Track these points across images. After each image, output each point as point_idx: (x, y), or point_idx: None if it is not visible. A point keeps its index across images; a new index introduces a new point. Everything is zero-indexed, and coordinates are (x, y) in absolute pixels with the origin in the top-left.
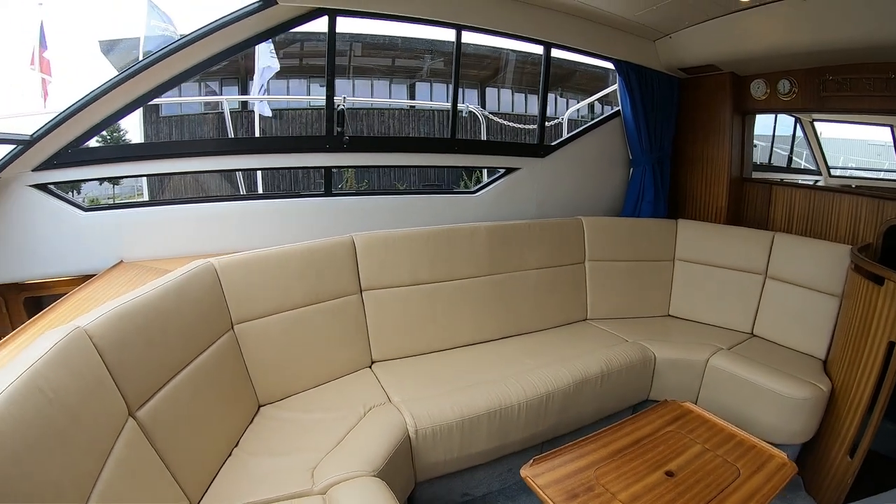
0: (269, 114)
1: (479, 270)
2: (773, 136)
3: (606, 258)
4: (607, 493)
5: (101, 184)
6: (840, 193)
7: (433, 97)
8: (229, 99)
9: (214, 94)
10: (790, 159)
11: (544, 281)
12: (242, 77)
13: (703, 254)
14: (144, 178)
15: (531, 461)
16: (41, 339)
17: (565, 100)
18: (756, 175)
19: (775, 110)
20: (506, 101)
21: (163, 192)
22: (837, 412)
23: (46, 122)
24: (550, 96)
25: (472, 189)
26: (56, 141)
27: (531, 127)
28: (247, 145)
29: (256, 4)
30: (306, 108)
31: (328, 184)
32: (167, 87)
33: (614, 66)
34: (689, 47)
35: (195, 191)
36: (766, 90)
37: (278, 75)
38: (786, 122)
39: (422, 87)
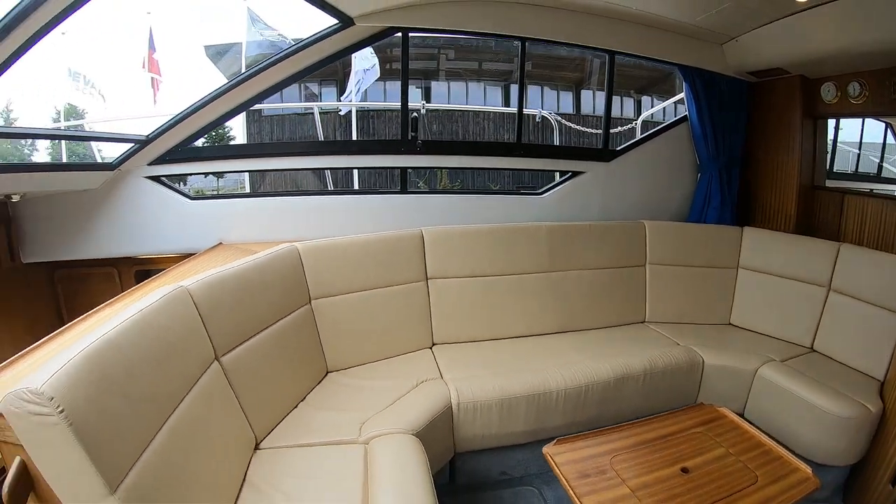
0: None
1: (538, 267)
2: (861, 141)
3: (668, 262)
4: (617, 478)
5: (205, 177)
6: None
7: (528, 99)
8: (320, 106)
9: (314, 94)
10: (881, 167)
11: (602, 281)
12: (340, 78)
13: (767, 263)
14: (246, 173)
15: (555, 441)
16: (154, 293)
17: (662, 103)
18: (839, 184)
19: (846, 114)
20: (598, 104)
21: (262, 186)
22: (885, 436)
23: (160, 125)
24: (646, 100)
25: (539, 190)
26: (168, 140)
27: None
28: (330, 147)
29: (337, 25)
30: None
31: (403, 182)
32: (264, 96)
33: (679, 71)
34: (754, 50)
35: (289, 186)
36: (837, 93)
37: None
38: (877, 128)
39: (515, 90)
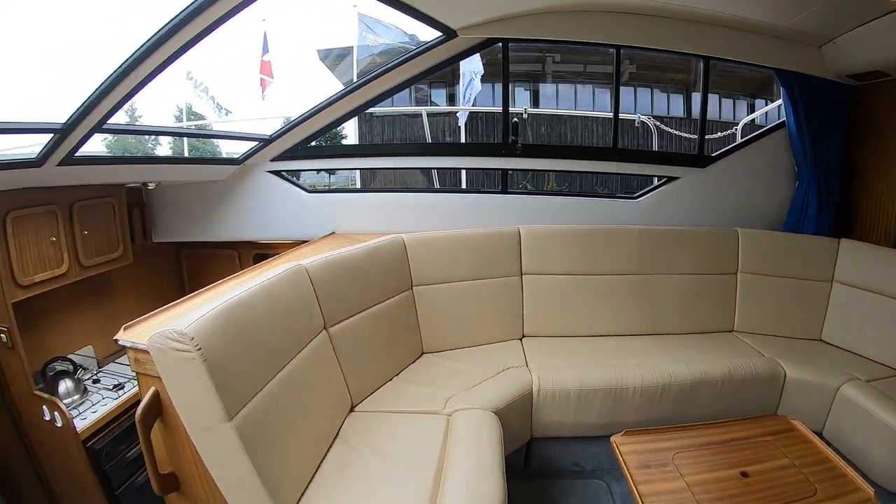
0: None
1: (627, 269)
2: None
3: (760, 272)
4: (676, 473)
5: (317, 173)
6: None
7: (638, 103)
8: (429, 110)
9: (426, 96)
10: None
11: (691, 287)
12: (449, 80)
13: (864, 278)
14: (357, 171)
15: (623, 432)
16: (276, 268)
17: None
18: None
19: None
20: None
21: (373, 183)
22: None
23: (282, 126)
24: (759, 102)
25: (635, 195)
26: (288, 140)
27: (708, 136)
28: (435, 149)
29: (441, 38)
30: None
31: (504, 183)
32: (374, 104)
33: (776, 75)
34: (853, 52)
35: (397, 183)
36: None
37: (483, 79)
38: None
39: (626, 92)
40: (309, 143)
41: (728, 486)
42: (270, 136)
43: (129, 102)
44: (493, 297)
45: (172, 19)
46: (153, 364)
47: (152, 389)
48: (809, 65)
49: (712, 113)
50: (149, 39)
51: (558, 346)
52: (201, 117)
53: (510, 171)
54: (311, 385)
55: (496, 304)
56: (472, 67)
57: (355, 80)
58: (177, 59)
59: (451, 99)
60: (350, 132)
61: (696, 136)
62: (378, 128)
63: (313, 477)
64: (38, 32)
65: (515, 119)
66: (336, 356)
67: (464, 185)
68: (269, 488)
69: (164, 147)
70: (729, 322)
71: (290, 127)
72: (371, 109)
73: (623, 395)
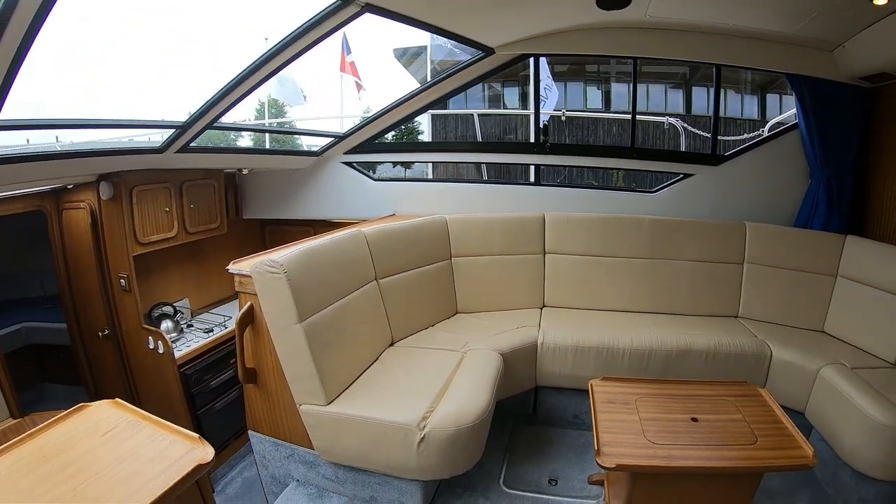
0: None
1: (640, 253)
2: None
3: (766, 263)
4: (634, 410)
5: (393, 167)
6: None
7: (708, 102)
8: (479, 112)
9: (498, 94)
10: None
11: (699, 273)
12: (521, 81)
13: (866, 273)
14: (430, 165)
15: (602, 377)
16: (345, 232)
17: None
18: None
19: None
20: (746, 107)
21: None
22: None
23: (354, 125)
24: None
25: (652, 189)
26: (359, 136)
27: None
28: (481, 147)
29: (480, 55)
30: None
31: (537, 175)
32: (433, 106)
33: (787, 79)
34: (862, 55)
35: (454, 175)
36: None
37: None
38: None
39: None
40: (376, 140)
41: (675, 425)
42: (344, 133)
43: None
44: (519, 271)
45: (287, 35)
46: (251, 285)
47: (249, 303)
48: (823, 69)
49: (749, 112)
50: (264, 54)
51: (572, 316)
52: (281, 112)
53: (544, 167)
54: (361, 317)
55: (522, 277)
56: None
57: (429, 78)
58: (282, 69)
59: (524, 98)
60: (426, 129)
61: (726, 138)
62: (452, 124)
63: (355, 380)
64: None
65: (545, 122)
66: (383, 301)
67: (532, 178)
68: (322, 378)
69: (245, 140)
70: (734, 308)
71: (361, 126)
72: (466, 112)
73: (614, 355)
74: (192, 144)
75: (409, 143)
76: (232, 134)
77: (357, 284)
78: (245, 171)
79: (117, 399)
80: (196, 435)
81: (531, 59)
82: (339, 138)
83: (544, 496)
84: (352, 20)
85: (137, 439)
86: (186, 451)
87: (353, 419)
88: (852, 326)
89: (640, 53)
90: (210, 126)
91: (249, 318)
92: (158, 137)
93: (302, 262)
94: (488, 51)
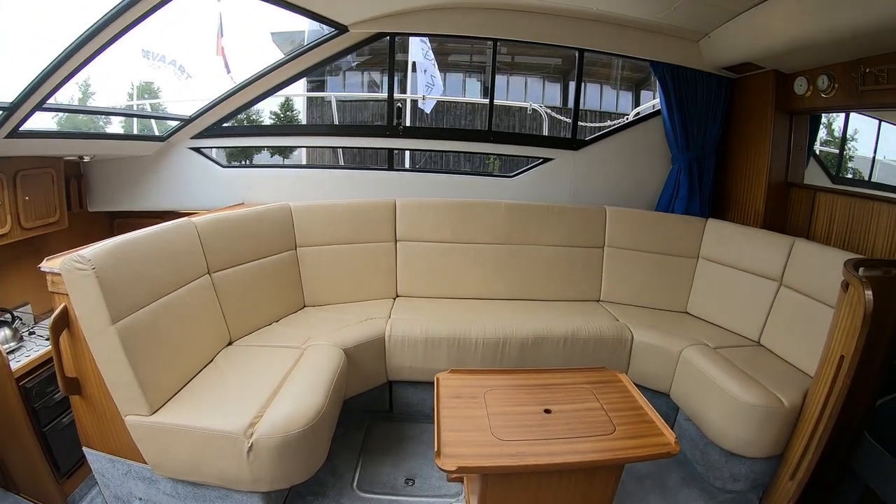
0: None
1: (497, 239)
2: (876, 146)
3: (626, 247)
4: (482, 404)
5: (271, 156)
6: (880, 202)
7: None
8: (337, 95)
9: (375, 83)
10: None
11: (558, 258)
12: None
13: (725, 254)
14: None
15: (449, 370)
16: (171, 222)
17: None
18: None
19: (819, 109)
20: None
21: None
22: (796, 432)
23: (201, 107)
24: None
25: (511, 174)
26: (207, 119)
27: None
28: (335, 130)
29: (333, 33)
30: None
31: (390, 160)
32: (277, 90)
33: (650, 66)
34: (725, 46)
35: (317, 161)
36: (808, 87)
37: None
38: None
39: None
40: (226, 123)
41: (526, 418)
42: (190, 116)
43: (84, 83)
44: (370, 260)
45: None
46: (64, 284)
47: (62, 305)
48: (689, 58)
49: (621, 106)
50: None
51: (425, 305)
52: (155, 95)
53: (404, 151)
54: (191, 315)
55: (373, 266)
56: (419, 59)
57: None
58: (101, 53)
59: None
60: (302, 116)
61: (588, 124)
62: (328, 112)
63: (185, 385)
64: None
65: (398, 104)
66: (217, 297)
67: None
68: (143, 386)
69: (115, 126)
70: (595, 292)
71: (208, 108)
72: (322, 95)
73: (466, 345)
74: (22, 129)
75: (258, 127)
76: (101, 121)
77: (185, 279)
78: (87, 159)
79: None
80: None
81: (389, 39)
82: (186, 122)
83: (400, 498)
84: None
85: None
86: None
87: (178, 429)
88: (715, 307)
89: (502, 35)
90: (40, 107)
91: (64, 322)
92: None
93: (115, 257)
94: (342, 28)
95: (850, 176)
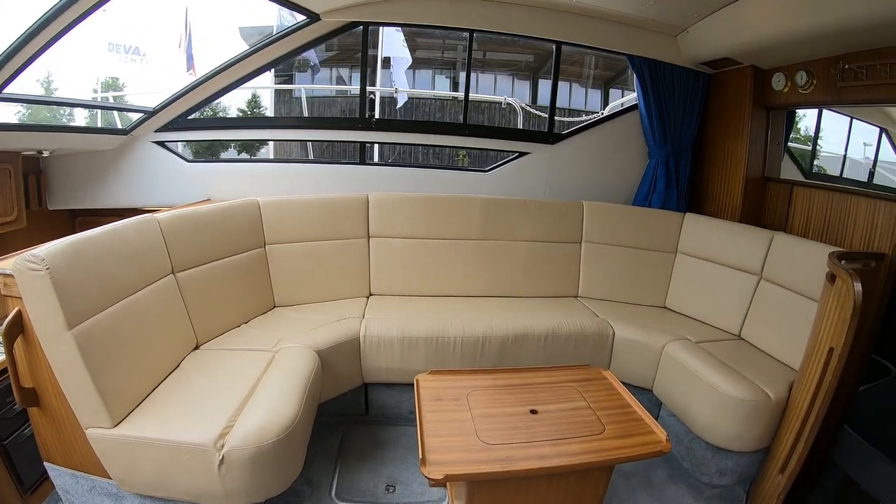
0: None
1: (472, 234)
2: (847, 143)
3: (604, 242)
4: (466, 406)
5: (238, 153)
6: (857, 196)
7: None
8: (308, 88)
9: (342, 79)
10: (872, 174)
11: (535, 253)
12: (372, 65)
13: (704, 249)
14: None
15: (429, 371)
16: (131, 219)
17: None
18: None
19: (797, 105)
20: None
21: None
22: (783, 425)
23: (165, 99)
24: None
25: (486, 168)
26: (171, 112)
27: (573, 119)
28: (303, 122)
29: (305, 21)
30: (430, 99)
31: (362, 154)
32: (244, 81)
33: (628, 60)
34: (704, 41)
35: (286, 155)
36: (786, 83)
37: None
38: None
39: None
40: (191, 115)
41: (513, 420)
42: (154, 108)
43: (46, 79)
44: (343, 257)
45: None
46: (17, 286)
47: (16, 309)
48: (666, 53)
49: (591, 104)
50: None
51: (400, 303)
52: (120, 89)
53: (373, 146)
54: (154, 319)
55: (346, 264)
56: (398, 53)
57: None
58: (60, 38)
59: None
60: (269, 111)
61: (568, 119)
62: (297, 109)
63: (150, 394)
64: None
65: (371, 96)
66: (183, 298)
67: (375, 158)
68: (104, 397)
69: (78, 120)
70: (573, 288)
71: (172, 100)
72: (291, 87)
73: (445, 345)
74: None
75: (225, 119)
76: (65, 116)
77: (148, 280)
78: (46, 154)
79: None
80: None
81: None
82: (149, 114)
83: None
84: None
85: None
86: None
87: (143, 442)
88: (694, 301)
89: (478, 26)
90: None
91: (18, 328)
92: None
93: (71, 256)
94: (314, 16)
95: (827, 172)
